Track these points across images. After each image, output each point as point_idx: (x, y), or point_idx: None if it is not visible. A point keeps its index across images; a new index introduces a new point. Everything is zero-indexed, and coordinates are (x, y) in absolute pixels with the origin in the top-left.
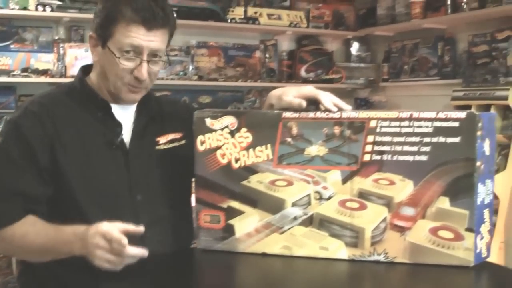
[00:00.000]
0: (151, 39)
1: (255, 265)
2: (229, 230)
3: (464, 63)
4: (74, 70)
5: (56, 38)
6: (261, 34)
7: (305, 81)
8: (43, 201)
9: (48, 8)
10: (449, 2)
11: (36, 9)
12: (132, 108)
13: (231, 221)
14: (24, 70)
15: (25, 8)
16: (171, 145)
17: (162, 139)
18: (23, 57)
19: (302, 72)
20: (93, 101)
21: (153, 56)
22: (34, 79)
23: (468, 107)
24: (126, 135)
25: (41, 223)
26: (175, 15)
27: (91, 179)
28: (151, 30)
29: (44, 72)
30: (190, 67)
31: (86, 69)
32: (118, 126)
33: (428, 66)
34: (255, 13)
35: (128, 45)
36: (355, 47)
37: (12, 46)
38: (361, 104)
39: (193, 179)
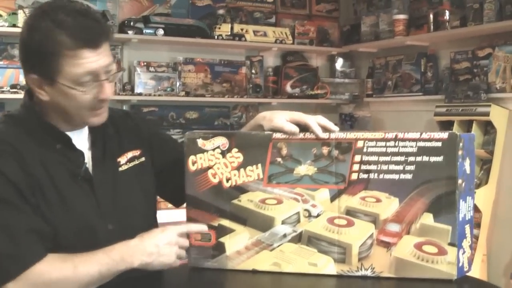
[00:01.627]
0: (100, 57)
1: (245, 282)
2: (219, 248)
3: (446, 79)
4: None
5: None
6: (247, 50)
7: (291, 96)
8: (50, 238)
9: None
10: (431, 20)
11: None
12: (85, 131)
13: (222, 239)
14: (13, 86)
15: (14, 25)
16: (131, 164)
17: (122, 159)
18: (12, 74)
19: (288, 88)
20: (48, 133)
21: (107, 72)
22: (23, 95)
23: (450, 122)
24: (87, 162)
25: (77, 254)
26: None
27: (69, 216)
28: (97, 48)
29: None
30: (177, 83)
31: (30, 93)
32: (80, 155)
33: (411, 82)
34: (241, 29)
35: (83, 74)
36: (339, 63)
37: (1, 62)
38: (346, 119)
39: (157, 197)
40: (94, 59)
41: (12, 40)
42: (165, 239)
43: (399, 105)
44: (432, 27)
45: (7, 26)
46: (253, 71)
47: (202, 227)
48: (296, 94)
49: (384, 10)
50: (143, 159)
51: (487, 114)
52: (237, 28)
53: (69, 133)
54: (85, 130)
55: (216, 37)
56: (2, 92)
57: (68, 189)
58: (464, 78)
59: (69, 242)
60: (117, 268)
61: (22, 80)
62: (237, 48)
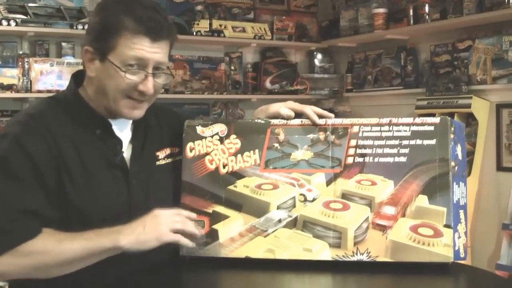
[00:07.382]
0: (155, 51)
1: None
2: (212, 235)
3: (427, 72)
4: (39, 85)
5: (21, 52)
6: (226, 46)
7: (270, 92)
8: (54, 224)
9: (12, 23)
10: (411, 13)
11: (1, 24)
12: (129, 121)
13: (215, 226)
14: None
15: None
16: (169, 160)
17: (161, 154)
18: None
19: (267, 84)
20: (90, 117)
21: (156, 69)
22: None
23: (432, 115)
24: (125, 151)
25: (68, 232)
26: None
27: (95, 201)
28: (155, 41)
29: (9, 87)
30: None
31: (77, 78)
32: (118, 143)
33: (392, 76)
34: (220, 25)
35: (133, 57)
36: (318, 58)
37: None
38: None
39: None
40: (147, 49)
41: None
42: (153, 220)
43: (380, 99)
44: (411, 20)
45: None
46: (232, 67)
47: (192, 215)
48: (276, 90)
49: (363, 4)
50: (180, 157)
51: (469, 106)
52: (215, 24)
53: (111, 121)
54: (129, 120)
55: (194, 33)
56: None
57: (100, 175)
58: (444, 71)
59: (93, 227)
60: (102, 244)
61: None
62: (216, 45)
